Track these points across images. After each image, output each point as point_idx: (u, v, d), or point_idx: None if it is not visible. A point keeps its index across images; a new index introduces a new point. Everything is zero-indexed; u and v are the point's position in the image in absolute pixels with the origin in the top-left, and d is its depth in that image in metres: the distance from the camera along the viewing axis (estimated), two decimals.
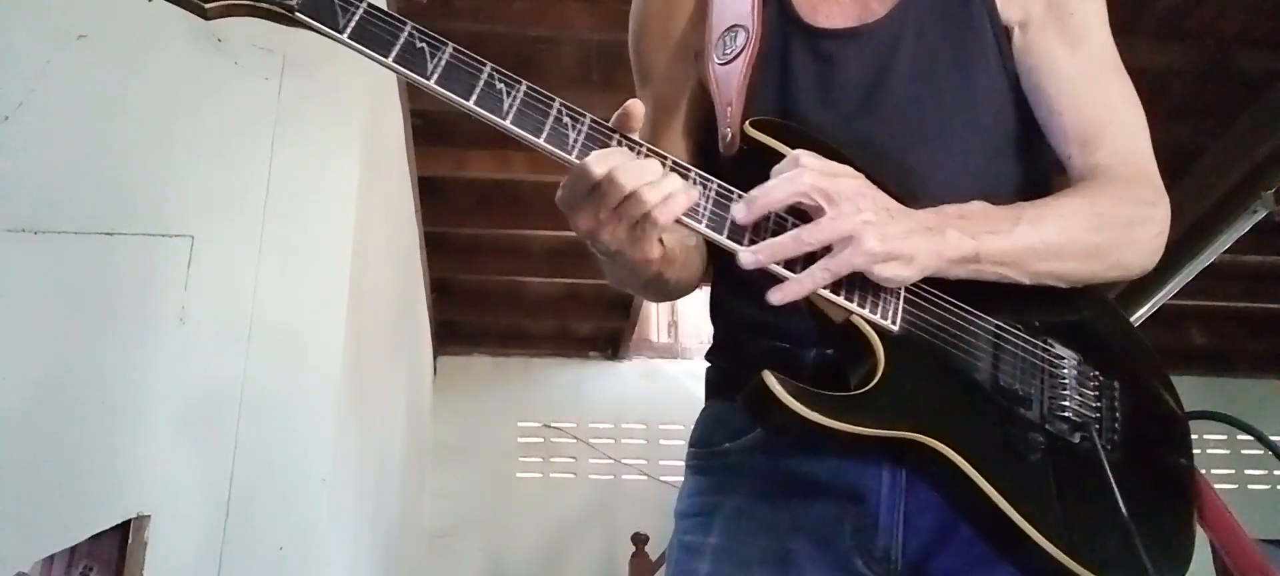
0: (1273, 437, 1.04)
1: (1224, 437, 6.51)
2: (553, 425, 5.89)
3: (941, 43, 1.03)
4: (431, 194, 4.19)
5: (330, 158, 2.39)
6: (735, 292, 1.05)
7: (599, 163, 0.80)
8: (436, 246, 4.65)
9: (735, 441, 1.01)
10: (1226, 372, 6.49)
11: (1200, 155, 4.11)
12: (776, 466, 0.98)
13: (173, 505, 2.02)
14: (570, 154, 0.82)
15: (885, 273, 0.85)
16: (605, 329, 6.08)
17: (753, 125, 0.93)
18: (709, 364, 1.11)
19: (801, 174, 0.84)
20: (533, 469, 5.85)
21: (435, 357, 5.85)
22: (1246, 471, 6.46)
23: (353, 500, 2.70)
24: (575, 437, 5.86)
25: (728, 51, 1.03)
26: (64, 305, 2.16)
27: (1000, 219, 0.92)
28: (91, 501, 1.99)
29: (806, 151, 0.87)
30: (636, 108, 0.84)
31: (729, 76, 1.01)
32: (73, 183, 2.24)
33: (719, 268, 1.08)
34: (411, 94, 3.51)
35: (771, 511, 0.97)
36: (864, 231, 0.84)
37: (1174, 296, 4.79)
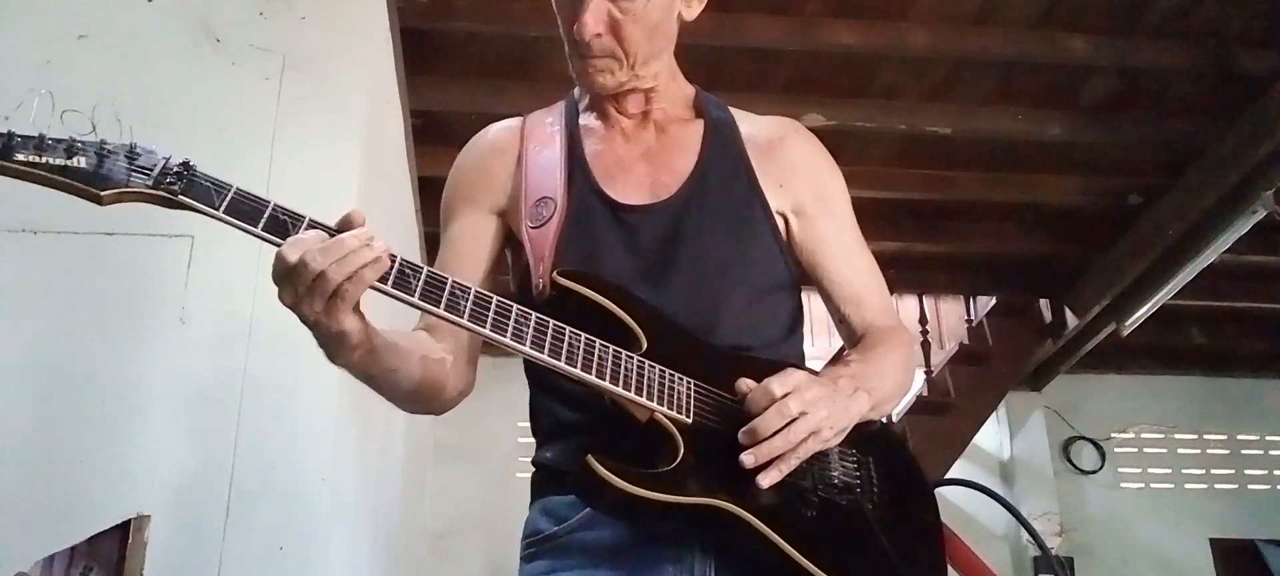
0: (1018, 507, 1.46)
1: (1224, 437, 6.51)
2: None
3: (720, 215, 1.26)
4: (431, 194, 4.17)
5: (330, 158, 2.39)
6: (553, 400, 1.23)
7: (293, 249, 0.99)
8: (436, 246, 4.64)
9: (561, 525, 1.17)
10: (1226, 372, 6.49)
11: (1200, 155, 4.12)
12: (602, 539, 1.14)
13: (173, 505, 2.02)
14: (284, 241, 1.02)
15: (833, 442, 1.12)
16: None
17: (560, 274, 1.13)
18: (534, 467, 1.27)
19: (789, 435, 1.05)
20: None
21: None
22: (1246, 471, 6.47)
23: (353, 500, 2.70)
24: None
25: (539, 218, 1.25)
26: (64, 305, 2.16)
27: (872, 377, 1.19)
28: (91, 501, 1.99)
29: (773, 383, 1.07)
30: (357, 216, 1.05)
31: (541, 238, 1.23)
32: None
33: (533, 380, 1.27)
34: (411, 94, 3.51)
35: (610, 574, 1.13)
36: (823, 427, 1.08)
37: (1174, 296, 4.80)
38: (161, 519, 2.00)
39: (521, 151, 1.33)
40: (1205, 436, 6.51)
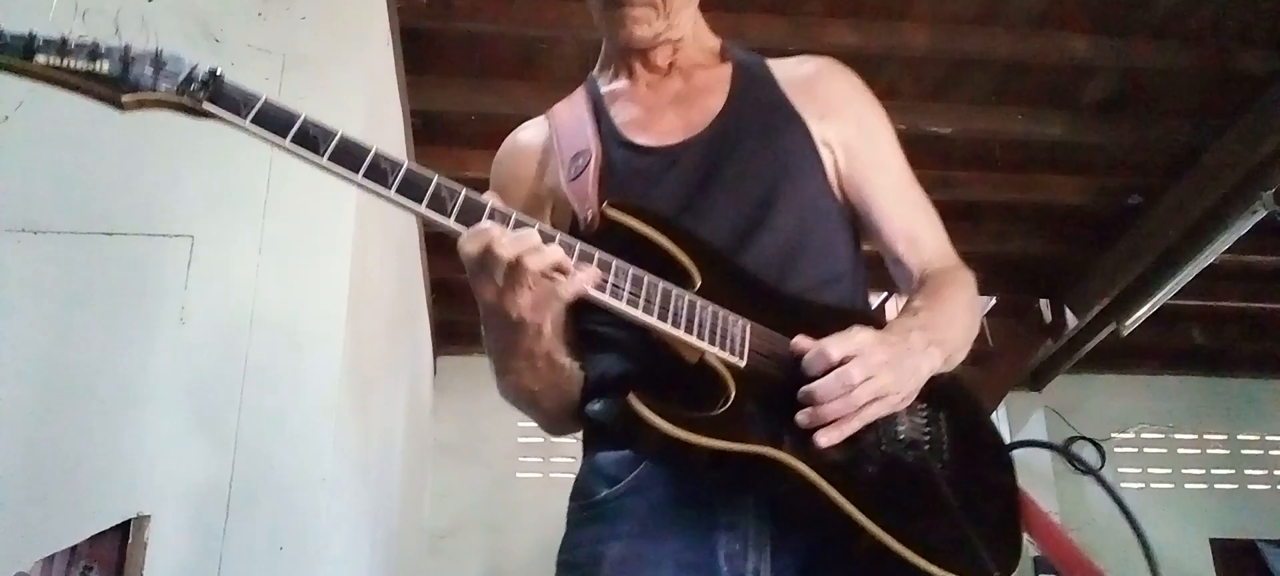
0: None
1: (1224, 437, 6.51)
2: None
3: (759, 140, 1.20)
4: None
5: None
6: (599, 349, 1.16)
7: (472, 241, 0.94)
8: (436, 246, 4.65)
9: (612, 488, 1.11)
10: (1226, 372, 6.49)
11: (1200, 155, 4.12)
12: (653, 505, 1.08)
13: (173, 505, 2.02)
14: (450, 220, 0.96)
15: (901, 406, 1.03)
16: None
17: (609, 205, 1.07)
18: (584, 418, 1.20)
19: (850, 400, 0.97)
20: (533, 469, 5.86)
21: (435, 357, 5.85)
22: (1246, 471, 6.47)
23: (353, 500, 2.70)
24: (575, 437, 5.86)
25: (576, 168, 1.20)
26: (64, 305, 2.16)
27: (943, 325, 1.10)
28: (91, 501, 1.99)
29: (832, 346, 0.99)
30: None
31: (580, 186, 1.18)
32: (73, 183, 2.24)
33: (583, 332, 1.20)
34: (411, 94, 3.51)
35: (653, 549, 1.06)
36: (889, 392, 1.00)
37: (1174, 296, 4.79)
38: (161, 519, 2.00)
39: (550, 135, 1.30)
40: (1205, 436, 6.51)
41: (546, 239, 0.96)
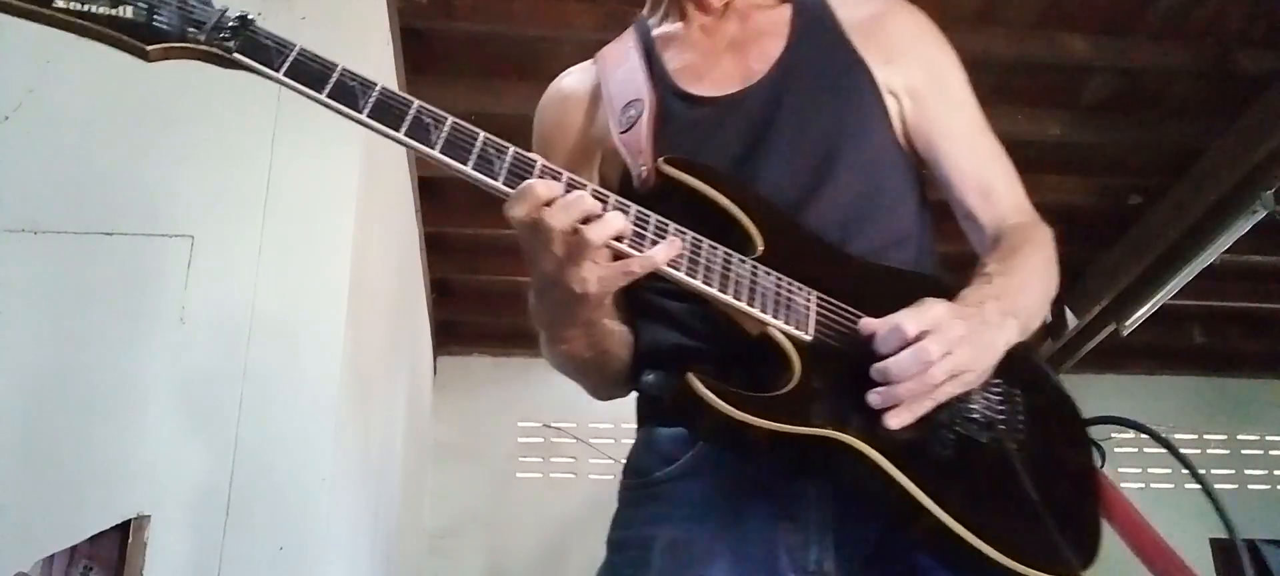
0: (1177, 440, 1.14)
1: (1224, 437, 6.51)
2: (553, 425, 5.88)
3: (820, 87, 1.12)
4: (431, 194, 4.19)
5: (330, 158, 2.39)
6: (653, 319, 1.10)
7: (518, 203, 0.87)
8: (436, 246, 4.64)
9: (666, 468, 1.05)
10: (1226, 372, 6.48)
11: (1200, 155, 4.11)
12: (709, 491, 1.02)
13: (173, 505, 2.02)
14: (497, 179, 0.89)
15: (977, 384, 0.96)
16: None
17: (666, 161, 1.00)
18: (638, 391, 1.15)
19: (927, 378, 0.90)
20: (533, 469, 5.85)
21: (435, 357, 5.85)
22: (1246, 471, 6.46)
23: (353, 500, 2.70)
24: (575, 437, 5.85)
25: (629, 120, 1.11)
26: (64, 305, 2.16)
27: (1019, 293, 1.02)
28: (91, 501, 1.99)
29: (907, 321, 0.91)
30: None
31: (633, 138, 1.09)
32: (73, 183, 2.24)
33: (636, 300, 1.13)
34: (411, 93, 3.50)
35: (707, 538, 1.00)
36: (967, 370, 0.93)
37: (1174, 296, 4.79)
38: (161, 519, 2.00)
39: (599, 82, 1.22)
40: (1205, 436, 6.50)
41: (599, 201, 0.90)
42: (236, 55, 0.88)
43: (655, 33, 1.24)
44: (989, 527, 0.92)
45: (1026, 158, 4.63)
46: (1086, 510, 1.02)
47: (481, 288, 5.56)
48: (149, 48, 0.86)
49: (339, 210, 2.35)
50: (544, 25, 3.41)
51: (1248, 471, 6.46)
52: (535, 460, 5.86)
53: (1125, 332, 5.14)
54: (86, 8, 0.84)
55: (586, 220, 0.88)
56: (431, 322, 5.34)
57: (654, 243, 0.91)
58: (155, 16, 0.86)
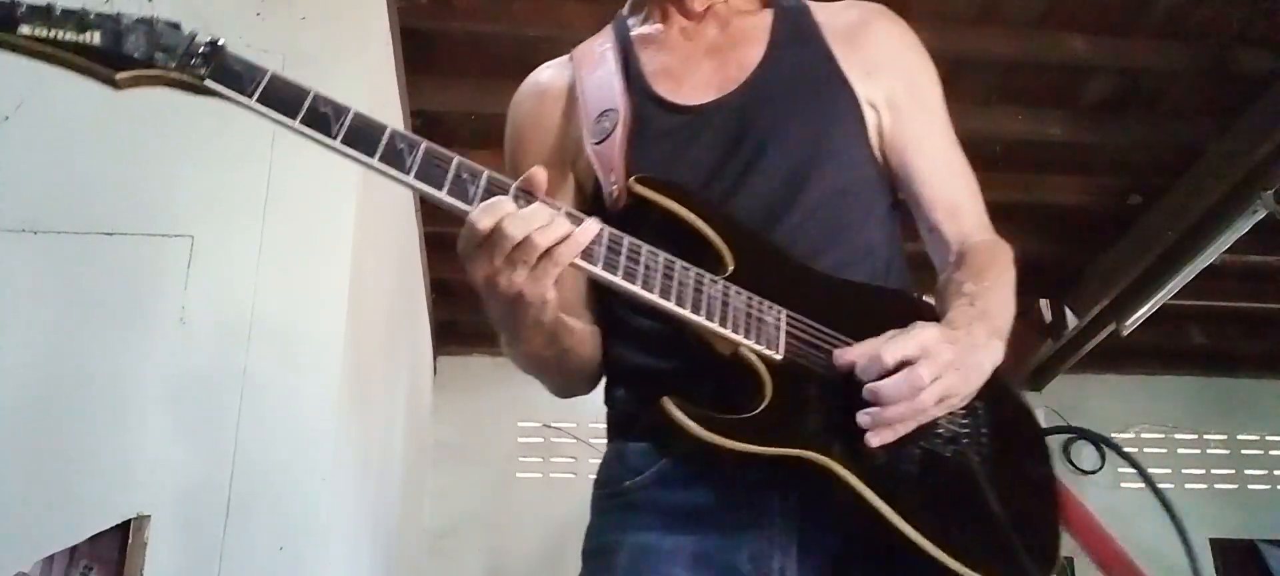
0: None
1: (1224, 437, 6.51)
2: (553, 425, 5.88)
3: (797, 99, 1.12)
4: None
5: (330, 157, 2.38)
6: (625, 339, 1.11)
7: (485, 215, 0.87)
8: (436, 246, 4.64)
9: (635, 479, 1.07)
10: (1226, 372, 6.48)
11: (1200, 155, 4.11)
12: (675, 500, 1.03)
13: (173, 505, 2.02)
14: (473, 205, 0.89)
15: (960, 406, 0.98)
16: None
17: (637, 180, 1.01)
18: (609, 407, 1.16)
19: (917, 404, 0.92)
20: (533, 469, 5.85)
21: (435, 357, 5.85)
22: (1246, 471, 6.46)
23: (353, 500, 2.70)
24: (575, 437, 5.85)
25: (602, 132, 1.12)
26: (64, 305, 2.16)
27: (998, 312, 1.04)
28: (91, 501, 1.99)
29: (889, 351, 0.93)
30: (540, 174, 0.91)
31: (607, 151, 1.10)
32: (73, 183, 2.24)
33: (608, 318, 1.14)
34: (411, 94, 3.51)
35: (673, 543, 1.02)
36: (955, 393, 0.95)
37: (1174, 296, 4.79)
38: (161, 519, 2.00)
39: (574, 82, 1.23)
40: (1205, 436, 6.50)
41: (573, 219, 0.91)
42: (208, 82, 0.86)
43: (634, 33, 1.25)
44: (952, 539, 0.95)
45: (1026, 158, 4.66)
46: (1047, 519, 1.06)
47: None
48: (118, 75, 0.85)
49: (339, 210, 2.35)
50: (544, 25, 3.40)
51: (1248, 471, 6.46)
52: (535, 460, 5.86)
53: (1125, 332, 5.14)
54: (53, 35, 0.83)
55: (540, 230, 0.89)
56: (431, 323, 5.35)
57: (588, 250, 0.91)
58: (123, 43, 0.85)
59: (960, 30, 3.58)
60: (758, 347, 0.96)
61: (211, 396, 2.13)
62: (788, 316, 0.99)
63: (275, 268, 2.23)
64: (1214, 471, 6.44)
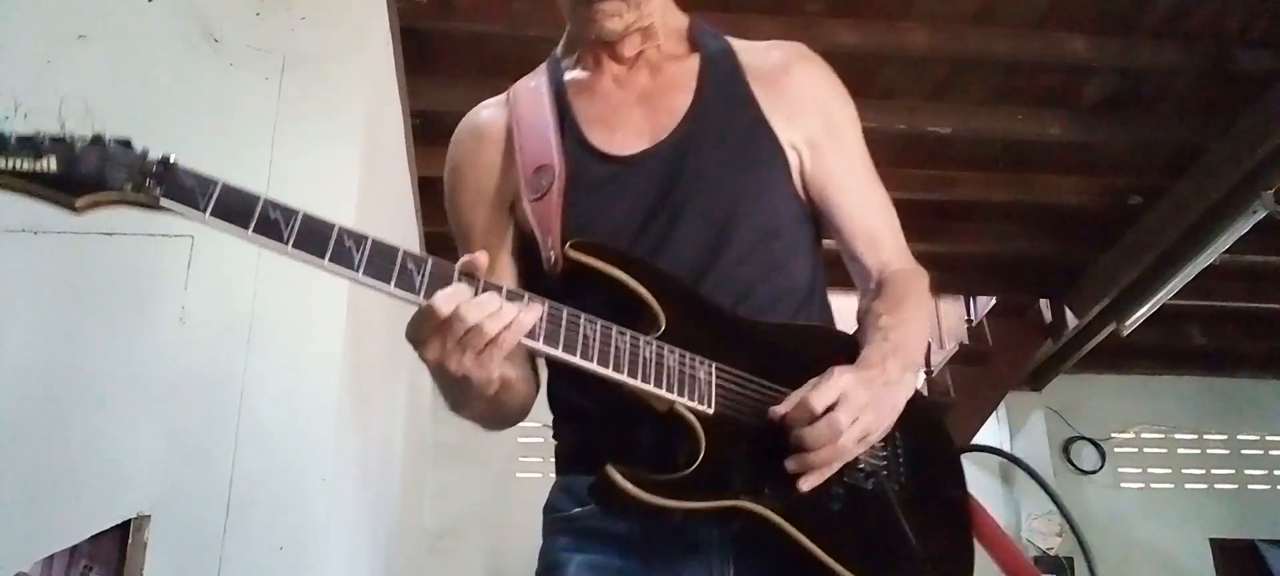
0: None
1: (1224, 437, 6.51)
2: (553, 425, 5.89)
3: (723, 148, 1.19)
4: (431, 194, 4.19)
5: (330, 158, 2.39)
6: (569, 380, 1.15)
7: (445, 302, 0.93)
8: (436, 246, 4.65)
9: (583, 508, 1.13)
10: (1226, 372, 6.49)
11: (1200, 155, 4.11)
12: (619, 529, 1.10)
13: (173, 505, 2.02)
14: (419, 295, 0.95)
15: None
16: None
17: (572, 247, 1.07)
18: (557, 440, 1.24)
19: (839, 447, 1.01)
20: (533, 469, 5.85)
21: None
22: (1246, 471, 6.46)
23: (353, 500, 2.70)
24: None
25: (539, 188, 1.18)
26: (64, 305, 2.16)
27: (911, 344, 1.13)
28: (91, 501, 1.99)
29: (815, 398, 1.00)
30: (481, 259, 0.97)
31: (545, 209, 1.17)
32: None
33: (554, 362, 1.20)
34: (411, 94, 3.51)
35: (618, 564, 1.10)
36: (873, 432, 1.04)
37: (1174, 296, 4.79)
38: (161, 519, 2.00)
39: (510, 125, 1.28)
40: (1205, 436, 6.50)
41: (515, 298, 0.97)
42: (164, 203, 0.88)
43: (568, 77, 1.30)
44: (874, 568, 1.04)
45: (1026, 158, 4.66)
46: (961, 537, 1.16)
47: None
48: (76, 201, 0.86)
49: (339, 210, 2.31)
50: (544, 25, 3.40)
51: (1248, 471, 6.46)
52: (535, 460, 5.86)
53: (1125, 333, 5.15)
54: (11, 165, 0.83)
55: (490, 317, 0.94)
56: None
57: (570, 333, 0.98)
58: (78, 167, 0.86)
59: (960, 30, 3.58)
60: (691, 404, 1.03)
61: (211, 396, 2.13)
62: (717, 369, 1.06)
63: (275, 267, 2.23)
64: (1214, 471, 6.44)
